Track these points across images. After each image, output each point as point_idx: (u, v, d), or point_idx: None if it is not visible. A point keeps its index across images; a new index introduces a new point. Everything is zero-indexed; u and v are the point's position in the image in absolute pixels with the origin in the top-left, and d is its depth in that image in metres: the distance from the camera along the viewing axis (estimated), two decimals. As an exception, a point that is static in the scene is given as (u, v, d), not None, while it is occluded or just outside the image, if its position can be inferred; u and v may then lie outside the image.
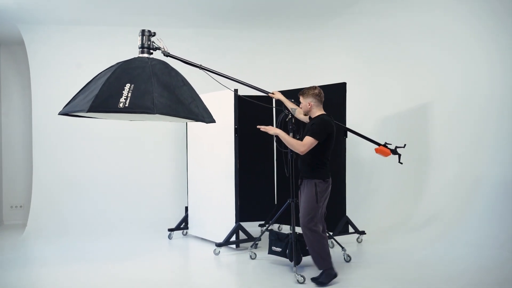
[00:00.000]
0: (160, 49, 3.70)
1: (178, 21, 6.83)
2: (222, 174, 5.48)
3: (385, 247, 5.20)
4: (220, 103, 5.46)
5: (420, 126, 5.77)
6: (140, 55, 3.48)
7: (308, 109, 4.10)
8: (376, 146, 4.79)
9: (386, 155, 4.66)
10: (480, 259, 4.38)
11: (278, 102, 4.70)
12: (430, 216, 5.40)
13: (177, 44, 7.15)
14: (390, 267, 4.49)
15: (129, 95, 2.94)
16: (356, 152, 6.53)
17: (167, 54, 3.88)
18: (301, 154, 3.94)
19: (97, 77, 3.27)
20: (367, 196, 6.45)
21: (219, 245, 5.11)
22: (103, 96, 2.93)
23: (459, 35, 5.21)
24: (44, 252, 5.46)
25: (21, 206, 7.60)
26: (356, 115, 6.36)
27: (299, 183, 4.18)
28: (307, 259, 4.39)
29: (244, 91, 5.45)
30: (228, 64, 7.27)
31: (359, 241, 5.52)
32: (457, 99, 5.27)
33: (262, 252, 5.06)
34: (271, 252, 4.64)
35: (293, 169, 4.46)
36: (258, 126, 4.19)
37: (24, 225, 6.85)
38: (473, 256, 4.46)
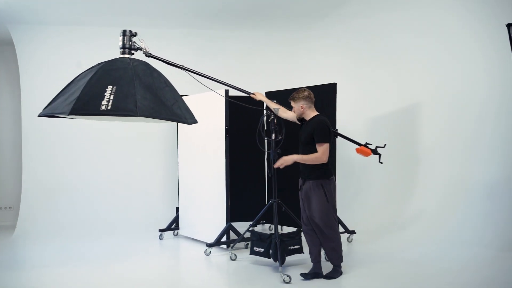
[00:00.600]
0: (141, 50, 3.67)
1: (168, 22, 6.83)
2: (213, 175, 5.49)
3: (375, 246, 5.24)
4: (211, 103, 5.47)
5: (409, 125, 5.83)
6: (121, 56, 3.42)
7: (301, 112, 4.15)
8: (357, 146, 4.82)
9: (366, 155, 4.71)
10: (468, 257, 4.44)
11: (261, 102, 4.70)
12: (419, 216, 5.45)
13: (167, 45, 7.16)
14: (380, 266, 4.52)
15: (112, 97, 2.86)
16: (346, 152, 6.55)
17: (148, 55, 3.84)
18: (325, 162, 3.99)
19: (77, 78, 3.21)
20: (357, 196, 6.49)
21: (210, 245, 5.12)
22: (85, 98, 2.86)
23: (449, 34, 5.26)
24: (34, 253, 5.43)
25: (10, 207, 7.54)
26: (346, 115, 6.39)
27: (300, 183, 4.20)
28: (290, 259, 4.47)
29: (232, 91, 5.46)
30: (218, 65, 7.28)
31: (349, 240, 5.55)
32: (447, 99, 5.33)
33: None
34: (253, 253, 4.62)
35: (275, 169, 4.50)
36: (275, 166, 4.20)
37: (13, 227, 6.79)
38: (460, 255, 4.51)
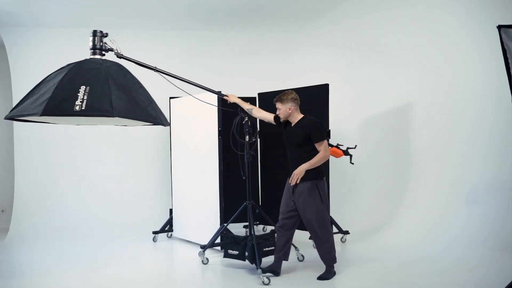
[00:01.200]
0: (113, 51, 3.61)
1: (160, 23, 6.82)
2: (207, 176, 5.49)
3: (368, 247, 5.26)
4: (204, 105, 5.45)
5: (402, 126, 5.85)
6: (92, 57, 3.38)
7: (288, 114, 4.17)
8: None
9: (338, 156, 4.74)
10: (462, 257, 4.47)
11: (235, 104, 4.65)
12: (413, 216, 5.47)
13: (160, 47, 7.17)
14: (374, 266, 4.54)
15: (85, 97, 2.83)
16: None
17: (120, 56, 3.76)
18: (329, 158, 4.10)
19: (47, 79, 3.14)
20: (350, 196, 6.51)
21: (203, 247, 5.11)
22: (57, 98, 2.81)
23: (443, 34, 5.27)
24: (27, 257, 5.39)
25: (2, 211, 7.50)
26: (339, 116, 6.42)
27: (289, 185, 4.19)
28: (265, 260, 4.47)
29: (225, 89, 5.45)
30: (210, 66, 7.29)
31: (343, 241, 5.57)
32: (441, 99, 5.35)
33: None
34: (227, 255, 4.56)
35: (249, 171, 4.55)
36: (291, 183, 4.08)
37: (6, 230, 6.75)
38: (454, 254, 4.54)
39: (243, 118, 4.49)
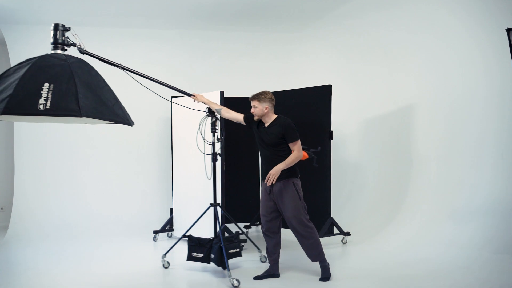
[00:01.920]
0: (75, 46, 3.39)
1: (163, 23, 6.81)
2: (208, 176, 5.46)
3: (369, 248, 5.26)
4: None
5: (404, 127, 5.85)
6: (54, 52, 3.20)
7: (263, 113, 4.16)
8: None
9: (303, 158, 4.69)
10: (462, 259, 4.46)
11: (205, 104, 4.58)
12: (414, 217, 5.47)
13: (162, 46, 7.16)
14: (374, 267, 4.54)
15: (49, 95, 2.68)
16: (340, 153, 6.58)
17: (83, 52, 3.54)
18: (301, 158, 4.09)
19: (4, 75, 2.94)
20: (351, 197, 6.51)
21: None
22: (19, 96, 2.64)
23: (446, 35, 5.27)
24: (26, 255, 5.38)
25: (2, 208, 7.48)
26: (340, 117, 6.42)
27: (265, 186, 4.20)
28: (231, 262, 4.49)
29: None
30: (211, 65, 7.29)
31: (344, 242, 5.57)
32: (443, 101, 5.35)
33: (246, 255, 5.08)
34: (191, 258, 4.47)
35: (215, 172, 4.52)
36: (268, 184, 4.08)
37: (5, 228, 6.74)
38: (455, 257, 4.53)
39: (212, 118, 4.42)
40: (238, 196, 6.29)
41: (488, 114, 4.85)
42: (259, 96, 4.15)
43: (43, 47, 6.80)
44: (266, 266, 4.54)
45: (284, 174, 4.07)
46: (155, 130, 7.01)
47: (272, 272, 4.28)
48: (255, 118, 4.23)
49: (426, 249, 4.87)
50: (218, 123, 4.43)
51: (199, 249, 4.44)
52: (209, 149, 4.70)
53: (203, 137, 4.63)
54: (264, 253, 4.83)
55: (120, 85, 4.17)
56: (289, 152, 4.09)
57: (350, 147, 6.62)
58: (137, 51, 7.07)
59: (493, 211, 4.68)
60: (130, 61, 6.75)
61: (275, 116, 4.20)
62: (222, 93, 5.33)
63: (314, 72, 7.10)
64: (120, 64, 3.71)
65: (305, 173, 5.73)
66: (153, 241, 5.93)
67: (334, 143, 5.61)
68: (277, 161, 4.06)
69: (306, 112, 5.71)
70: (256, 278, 4.23)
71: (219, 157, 4.58)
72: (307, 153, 4.77)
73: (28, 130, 6.66)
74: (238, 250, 4.42)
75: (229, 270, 4.07)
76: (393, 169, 6.01)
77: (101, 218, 6.68)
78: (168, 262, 4.69)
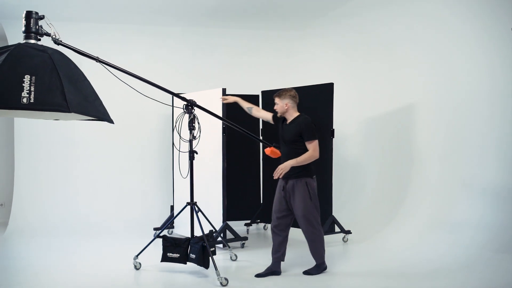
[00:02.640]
0: (50, 36, 3.12)
1: (165, 19, 6.78)
2: (210, 173, 5.46)
3: (370, 247, 5.25)
4: (208, 102, 5.42)
5: (406, 126, 5.84)
6: (28, 41, 2.89)
7: (284, 110, 4.24)
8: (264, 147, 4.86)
9: (276, 156, 4.66)
10: (463, 258, 4.45)
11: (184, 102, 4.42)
12: (415, 216, 5.46)
13: (164, 42, 7.14)
14: (375, 266, 4.53)
15: (32, 89, 2.48)
16: (341, 151, 6.57)
17: (58, 42, 3.22)
18: (317, 158, 4.09)
19: None
20: (352, 196, 6.50)
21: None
22: None
23: (447, 34, 5.25)
24: (26, 251, 5.36)
25: (2, 205, 7.46)
26: (342, 115, 6.40)
27: (282, 183, 4.24)
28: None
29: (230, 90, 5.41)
30: (214, 62, 7.28)
31: (345, 240, 5.56)
32: (443, 99, 5.33)
33: (247, 252, 5.06)
34: (166, 259, 4.34)
35: (193, 171, 4.45)
36: (275, 177, 4.12)
37: (4, 224, 6.72)
38: (457, 256, 4.52)
39: (190, 115, 4.31)
40: (238, 194, 6.28)
41: (491, 114, 4.83)
42: (280, 93, 4.24)
43: (44, 42, 6.81)
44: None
45: (298, 172, 4.10)
46: (156, 127, 6.99)
47: (274, 270, 4.28)
48: (278, 115, 4.31)
49: (427, 247, 4.87)
50: (196, 120, 4.33)
51: (175, 249, 4.32)
52: (186, 147, 4.57)
53: (179, 134, 4.54)
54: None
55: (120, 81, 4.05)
56: (305, 150, 4.10)
57: (351, 145, 6.61)
58: (139, 48, 7.06)
59: (495, 210, 4.67)
60: (132, 57, 6.76)
61: (297, 114, 4.26)
62: (224, 90, 5.32)
63: (316, 70, 7.09)
64: (97, 57, 3.45)
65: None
66: (154, 239, 5.90)
67: (335, 141, 5.59)
68: (291, 158, 4.10)
69: (308, 110, 5.67)
70: (257, 275, 4.22)
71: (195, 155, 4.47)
72: (279, 151, 4.75)
73: (28, 126, 6.64)
74: (213, 249, 4.32)
75: (216, 269, 4.00)
76: (394, 168, 6.00)
77: (101, 215, 6.66)
78: (139, 263, 4.53)
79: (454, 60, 5.19)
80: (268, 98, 6.12)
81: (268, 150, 4.68)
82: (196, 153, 4.41)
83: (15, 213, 6.51)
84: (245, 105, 4.66)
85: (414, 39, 5.69)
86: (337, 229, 5.57)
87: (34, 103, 2.46)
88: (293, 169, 4.09)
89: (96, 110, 2.80)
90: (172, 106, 5.47)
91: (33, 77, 2.52)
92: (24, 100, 2.44)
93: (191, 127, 4.30)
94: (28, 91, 2.47)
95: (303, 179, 4.10)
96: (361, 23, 6.44)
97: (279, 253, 4.28)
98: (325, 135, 5.47)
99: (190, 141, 4.37)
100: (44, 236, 6.05)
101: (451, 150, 5.25)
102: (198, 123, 4.36)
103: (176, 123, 4.57)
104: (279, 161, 4.28)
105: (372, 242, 5.40)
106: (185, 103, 4.26)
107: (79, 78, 2.84)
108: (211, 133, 5.39)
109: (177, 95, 4.15)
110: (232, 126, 4.69)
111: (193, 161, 4.43)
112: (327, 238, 5.22)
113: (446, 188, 5.24)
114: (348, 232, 5.59)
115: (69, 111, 2.55)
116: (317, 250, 4.23)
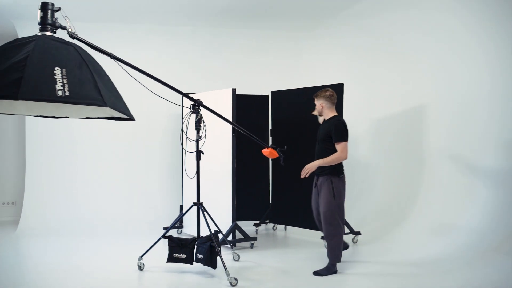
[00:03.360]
0: (65, 29, 2.93)
1: (175, 19, 6.80)
2: (219, 174, 5.47)
3: (379, 248, 5.23)
4: (218, 102, 5.44)
5: (416, 126, 5.80)
6: (45, 33, 2.70)
7: (320, 111, 4.38)
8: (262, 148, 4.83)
9: (273, 156, 4.71)
10: (475, 260, 4.42)
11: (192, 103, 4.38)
12: (424, 217, 5.43)
13: (175, 42, 7.17)
14: (384, 267, 4.51)
15: (65, 81, 2.35)
16: (351, 152, 6.52)
17: (74, 36, 3.05)
18: (345, 159, 4.19)
19: None
20: (361, 197, 6.47)
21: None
22: (32, 80, 2.28)
23: (457, 36, 5.23)
24: (37, 249, 5.41)
25: (13, 203, 7.53)
26: (351, 116, 6.37)
27: (315, 180, 4.39)
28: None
29: (240, 90, 5.40)
30: (223, 62, 7.29)
31: (354, 241, 5.53)
32: (454, 100, 5.30)
33: (255, 252, 5.06)
34: (172, 260, 4.34)
35: (199, 171, 4.44)
36: (301, 176, 4.26)
37: (15, 222, 6.79)
38: (467, 258, 4.49)
39: (197, 116, 4.27)
40: (248, 194, 6.28)
41: (500, 115, 4.79)
42: (316, 93, 4.38)
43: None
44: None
45: (325, 171, 4.23)
46: (167, 126, 7.01)
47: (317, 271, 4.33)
48: (315, 113, 4.46)
49: (437, 249, 4.83)
50: (203, 120, 4.31)
51: (181, 249, 4.32)
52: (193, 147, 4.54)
53: (186, 135, 4.53)
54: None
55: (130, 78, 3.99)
56: (334, 150, 4.19)
57: (360, 146, 6.58)
58: (150, 47, 7.09)
59: (506, 212, 4.63)
60: (143, 56, 6.78)
61: (333, 114, 4.35)
62: (234, 90, 5.32)
63: (325, 70, 7.08)
64: (111, 53, 3.34)
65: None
66: (163, 238, 5.92)
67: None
68: (322, 156, 4.24)
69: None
70: (315, 273, 4.25)
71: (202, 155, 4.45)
72: (276, 152, 4.76)
73: (39, 125, 6.68)
74: (219, 249, 4.31)
75: (226, 269, 3.99)
76: (403, 169, 5.97)
77: (110, 214, 6.70)
78: (143, 264, 4.50)
79: (464, 62, 5.15)
80: (278, 99, 6.13)
81: (266, 151, 4.70)
82: (203, 153, 4.40)
83: (26, 212, 6.57)
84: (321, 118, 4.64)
85: (425, 39, 5.65)
86: (346, 229, 5.53)
87: (69, 96, 2.34)
88: (321, 167, 4.22)
89: (123, 106, 2.72)
90: (182, 106, 5.49)
91: (64, 70, 2.40)
92: (60, 92, 2.31)
93: (198, 127, 4.29)
94: (61, 84, 2.34)
95: (329, 177, 4.20)
96: (370, 24, 6.41)
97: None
98: None
99: (197, 141, 4.35)
100: (54, 234, 6.11)
101: (460, 150, 5.21)
102: (203, 122, 4.33)
103: (183, 123, 4.58)
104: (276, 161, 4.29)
105: (382, 243, 5.38)
106: (192, 103, 4.25)
107: (103, 73, 2.74)
108: (221, 133, 5.39)
109: (185, 95, 4.14)
110: (233, 126, 4.67)
111: (200, 161, 4.42)
112: None
113: (455, 189, 5.21)
114: (358, 233, 5.56)
115: (105, 105, 2.46)
116: (333, 249, 4.24)
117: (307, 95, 5.78)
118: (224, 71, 7.26)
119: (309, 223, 5.56)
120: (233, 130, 5.29)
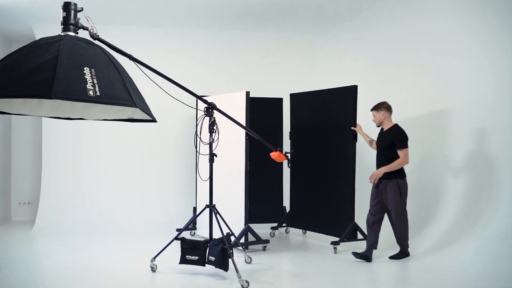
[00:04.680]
0: (87, 30, 2.90)
1: (191, 22, 6.83)
2: (232, 176, 5.47)
3: (393, 253, 5.15)
4: (232, 105, 5.45)
5: (429, 131, 5.73)
6: (68, 33, 2.69)
7: (382, 121, 4.91)
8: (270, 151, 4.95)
9: (281, 160, 4.93)
10: (492, 267, 4.30)
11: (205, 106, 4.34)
12: (440, 222, 5.35)
13: (190, 43, 7.21)
14: (399, 273, 4.47)
15: (95, 81, 2.35)
16: (364, 156, 6.49)
17: (95, 37, 3.02)
18: (407, 163, 4.77)
19: (19, 54, 2.50)
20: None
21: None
22: (64, 80, 2.26)
23: (468, 41, 5.14)
24: (52, 249, 5.48)
25: (29, 203, 7.63)
26: (365, 119, 6.32)
27: (378, 183, 4.81)
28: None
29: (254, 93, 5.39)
30: (238, 64, 7.31)
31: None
32: (467, 104, 5.20)
33: (267, 255, 5.05)
34: (184, 261, 4.35)
35: (212, 173, 4.46)
36: (370, 181, 4.86)
37: (31, 222, 6.88)
38: (485, 264, 4.37)
39: (210, 119, 4.27)
40: (262, 196, 6.28)
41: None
42: (376, 107, 4.92)
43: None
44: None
45: (389, 175, 4.74)
46: (182, 128, 7.04)
47: (366, 254, 4.81)
48: (376, 125, 4.99)
49: (454, 255, 4.73)
50: (216, 123, 4.31)
51: (194, 251, 4.33)
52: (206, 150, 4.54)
53: (199, 137, 4.52)
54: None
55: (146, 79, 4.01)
56: (396, 157, 4.71)
57: (374, 150, 6.52)
58: (166, 49, 7.14)
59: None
60: (158, 58, 6.82)
61: (391, 124, 4.91)
62: (248, 93, 5.33)
63: (340, 74, 7.04)
64: (130, 55, 3.35)
65: (327, 176, 5.71)
66: (176, 240, 5.94)
67: (358, 145, 5.54)
68: (384, 162, 4.78)
69: (331, 113, 5.70)
70: (353, 253, 4.83)
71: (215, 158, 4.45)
72: (284, 155, 4.82)
73: (56, 126, 6.76)
74: (231, 251, 4.31)
75: (238, 271, 3.98)
76: (418, 174, 5.89)
77: (125, 215, 6.75)
78: (156, 265, 4.51)
79: (483, 67, 5.04)
80: (297, 101, 6.13)
81: (274, 155, 4.86)
82: (216, 155, 4.40)
83: (42, 212, 6.65)
84: (367, 139, 5.30)
85: (439, 43, 5.58)
86: (359, 236, 5.44)
87: (100, 96, 2.34)
88: (388, 172, 4.73)
89: (147, 108, 2.71)
90: (196, 108, 5.51)
91: (93, 70, 2.40)
92: (91, 92, 2.30)
93: (211, 130, 4.30)
94: (92, 84, 2.33)
95: (395, 180, 4.74)
96: (386, 27, 6.36)
97: (368, 243, 4.85)
98: (348, 138, 5.44)
99: (210, 144, 4.36)
100: (69, 234, 6.18)
101: (480, 157, 5.04)
102: (216, 125, 4.33)
103: (197, 125, 4.59)
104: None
105: (396, 249, 5.23)
106: (206, 105, 4.24)
107: (126, 74, 2.73)
108: (235, 136, 5.40)
109: (199, 97, 4.16)
110: (243, 128, 4.69)
111: (213, 163, 4.43)
112: (348, 245, 5.23)
113: (474, 194, 5.06)
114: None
115: (135, 106, 2.47)
116: (403, 239, 4.84)
117: (325, 97, 5.76)
118: (239, 73, 7.28)
119: (327, 228, 5.66)
120: (247, 133, 5.30)
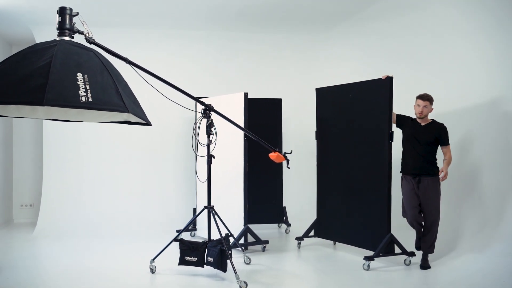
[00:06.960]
0: (83, 34, 2.92)
1: (189, 23, 6.85)
2: (231, 177, 5.49)
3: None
4: (230, 106, 5.47)
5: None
6: (64, 38, 2.71)
7: (427, 113, 4.64)
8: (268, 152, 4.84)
9: (280, 160, 4.78)
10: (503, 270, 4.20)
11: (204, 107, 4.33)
12: (463, 225, 5.02)
13: (189, 45, 7.23)
14: (402, 273, 4.41)
15: (88, 87, 2.36)
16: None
17: (91, 41, 3.03)
18: (279, 161, 4.71)
19: (14, 60, 2.51)
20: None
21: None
22: (57, 86, 2.28)
23: (470, 40, 5.15)
24: (53, 251, 5.50)
25: (31, 205, 7.66)
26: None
27: (411, 180, 4.62)
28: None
29: (252, 94, 5.38)
30: (237, 65, 7.32)
31: (407, 263, 4.73)
32: (471, 103, 5.16)
33: (267, 256, 5.08)
34: (183, 262, 4.37)
35: (210, 175, 4.43)
36: (441, 180, 4.56)
37: (33, 224, 6.90)
38: (508, 269, 4.21)
39: (208, 120, 4.26)
40: (261, 197, 6.29)
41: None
42: (430, 98, 4.64)
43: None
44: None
45: (432, 171, 4.57)
46: (181, 130, 7.06)
47: (421, 264, 4.59)
48: (419, 116, 4.64)
49: (477, 260, 4.48)
50: (213, 125, 4.30)
51: (192, 252, 4.35)
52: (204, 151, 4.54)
53: (197, 139, 4.52)
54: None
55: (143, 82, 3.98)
56: (434, 152, 4.61)
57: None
58: (164, 51, 7.16)
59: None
60: (156, 60, 6.84)
61: (430, 118, 4.72)
62: (246, 94, 5.35)
63: (338, 74, 7.03)
64: (126, 58, 3.36)
65: (357, 181, 5.07)
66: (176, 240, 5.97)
67: (394, 146, 4.78)
68: (426, 157, 4.57)
69: (363, 110, 5.08)
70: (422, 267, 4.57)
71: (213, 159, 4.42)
72: (284, 156, 4.77)
73: (57, 129, 6.78)
74: (230, 252, 4.31)
75: (236, 272, 4.00)
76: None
77: (125, 216, 6.78)
78: (155, 267, 4.53)
79: (480, 67, 5.04)
80: (322, 96, 5.56)
81: (273, 155, 4.74)
82: (214, 157, 4.42)
83: (43, 214, 6.68)
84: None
85: (439, 42, 5.59)
86: (397, 249, 4.73)
87: (93, 102, 2.34)
88: (427, 168, 4.56)
89: (141, 112, 2.72)
90: (195, 110, 5.53)
91: (86, 75, 2.41)
92: (83, 98, 2.32)
93: (209, 132, 4.32)
94: (84, 90, 2.34)
95: (436, 177, 4.55)
96: (384, 27, 6.37)
97: (418, 243, 4.72)
98: (383, 138, 4.76)
99: (208, 145, 4.37)
100: (70, 236, 6.20)
101: (501, 157, 4.79)
102: (214, 127, 4.33)
103: (194, 127, 4.61)
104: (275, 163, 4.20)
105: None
106: (203, 107, 4.26)
107: (121, 78, 2.73)
108: (233, 137, 5.42)
109: (196, 99, 4.17)
110: (240, 129, 4.70)
111: (211, 165, 4.43)
112: (385, 260, 4.78)
113: (497, 197, 4.79)
114: (412, 254, 4.71)
115: (127, 112, 2.49)
116: (433, 239, 4.57)
117: (355, 91, 5.19)
118: (238, 74, 7.29)
119: (356, 240, 5.02)
120: (245, 134, 5.32)
